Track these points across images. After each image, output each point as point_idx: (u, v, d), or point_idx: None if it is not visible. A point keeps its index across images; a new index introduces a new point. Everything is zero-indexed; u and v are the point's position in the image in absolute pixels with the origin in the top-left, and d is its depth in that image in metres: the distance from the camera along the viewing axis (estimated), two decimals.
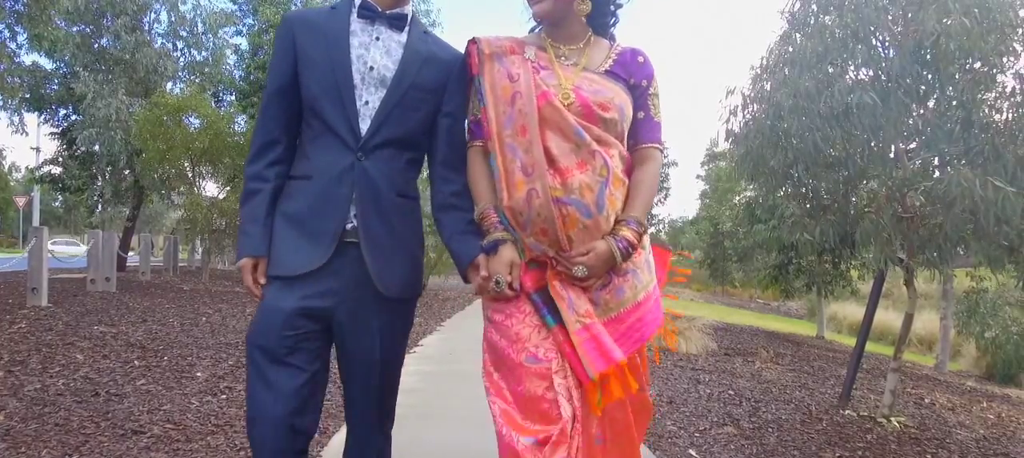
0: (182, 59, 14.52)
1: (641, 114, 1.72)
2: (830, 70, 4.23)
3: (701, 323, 8.78)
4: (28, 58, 13.56)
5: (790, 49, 4.51)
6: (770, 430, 4.06)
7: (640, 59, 1.73)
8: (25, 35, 12.07)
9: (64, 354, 4.62)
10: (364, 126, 1.63)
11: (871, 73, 4.21)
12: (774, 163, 4.51)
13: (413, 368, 5.12)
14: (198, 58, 14.69)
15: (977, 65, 3.93)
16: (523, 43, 1.71)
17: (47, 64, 14.01)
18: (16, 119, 13.62)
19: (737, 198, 17.43)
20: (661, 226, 35.15)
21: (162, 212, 27.69)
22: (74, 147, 13.39)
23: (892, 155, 4.37)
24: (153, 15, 13.94)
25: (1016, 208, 3.30)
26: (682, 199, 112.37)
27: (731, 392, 5.15)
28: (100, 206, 15.00)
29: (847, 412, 4.71)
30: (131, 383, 4.01)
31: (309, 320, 1.59)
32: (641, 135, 1.72)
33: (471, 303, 12.18)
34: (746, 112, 4.76)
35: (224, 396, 3.88)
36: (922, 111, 4.16)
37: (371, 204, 1.62)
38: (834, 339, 12.94)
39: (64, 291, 8.38)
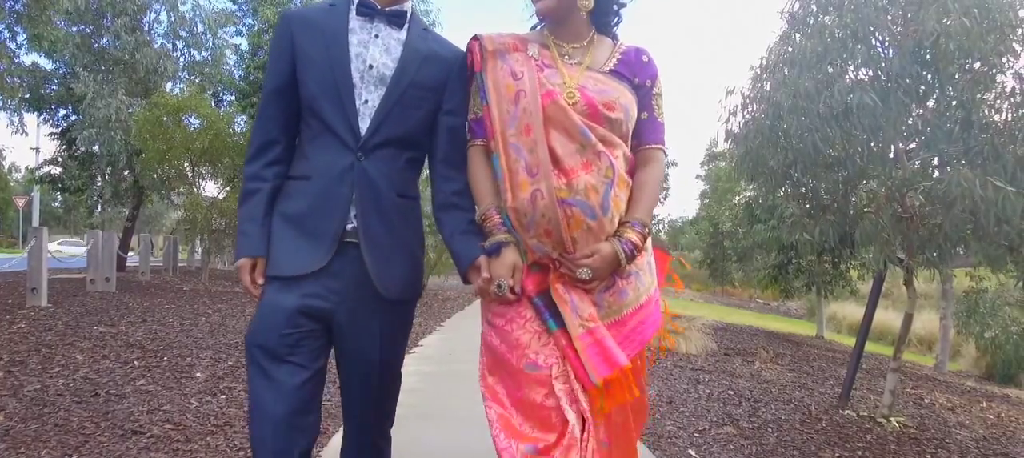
0: (182, 59, 14.52)
1: (645, 114, 1.69)
2: (830, 70, 4.22)
3: (701, 323, 8.78)
4: (28, 58, 13.60)
5: (790, 49, 4.51)
6: (770, 430, 4.06)
7: (644, 58, 1.70)
8: (25, 35, 12.07)
9: (64, 354, 4.62)
10: (364, 125, 1.60)
11: (871, 73, 4.20)
12: (773, 163, 4.51)
13: (413, 368, 5.12)
14: (198, 58, 14.69)
15: (977, 65, 3.92)
16: (526, 40, 1.68)
17: (47, 64, 14.03)
18: (16, 119, 13.67)
19: (737, 198, 17.39)
20: (661, 226, 35.19)
21: (162, 212, 27.70)
22: (74, 147, 13.40)
23: (892, 155, 4.36)
24: (153, 15, 13.95)
25: (1016, 208, 3.30)
26: (682, 199, 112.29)
27: (731, 392, 5.15)
28: (100, 206, 15.01)
29: (847, 412, 4.71)
30: (131, 383, 4.01)
31: (310, 319, 1.57)
32: (645, 136, 1.69)
33: (471, 303, 12.16)
34: (746, 112, 4.75)
35: (224, 396, 3.87)
36: (922, 111, 4.16)
37: (371, 204, 1.60)
38: (834, 339, 12.92)
39: (64, 291, 8.38)
